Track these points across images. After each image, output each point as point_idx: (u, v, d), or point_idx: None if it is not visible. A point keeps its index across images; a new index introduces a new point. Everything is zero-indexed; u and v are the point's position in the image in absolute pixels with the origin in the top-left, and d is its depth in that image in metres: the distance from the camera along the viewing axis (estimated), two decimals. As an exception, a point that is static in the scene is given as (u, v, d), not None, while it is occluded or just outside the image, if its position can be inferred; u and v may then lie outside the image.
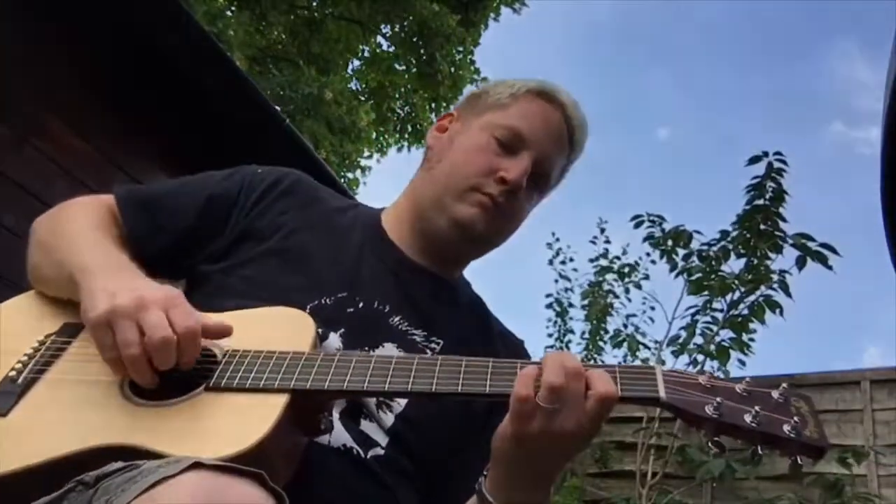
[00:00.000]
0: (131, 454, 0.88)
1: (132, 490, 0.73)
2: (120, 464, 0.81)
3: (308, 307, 1.16)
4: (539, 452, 0.97)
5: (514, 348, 1.37)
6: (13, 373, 1.06)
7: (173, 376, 1.01)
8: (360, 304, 1.22)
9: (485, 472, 1.03)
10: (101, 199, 1.31)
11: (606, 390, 0.95)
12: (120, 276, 1.08)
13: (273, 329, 1.10)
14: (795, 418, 0.92)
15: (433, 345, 1.23)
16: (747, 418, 0.92)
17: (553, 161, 1.34)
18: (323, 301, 1.20)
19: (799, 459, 0.92)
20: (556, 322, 6.78)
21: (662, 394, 0.96)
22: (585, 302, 6.40)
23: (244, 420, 0.96)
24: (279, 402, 0.98)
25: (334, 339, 1.17)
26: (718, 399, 0.94)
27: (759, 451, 0.93)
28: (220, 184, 1.32)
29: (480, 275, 1.43)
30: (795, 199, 4.86)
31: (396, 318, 1.23)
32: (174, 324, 1.00)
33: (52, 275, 1.19)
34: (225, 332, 1.06)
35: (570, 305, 6.72)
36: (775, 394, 0.96)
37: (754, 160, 4.88)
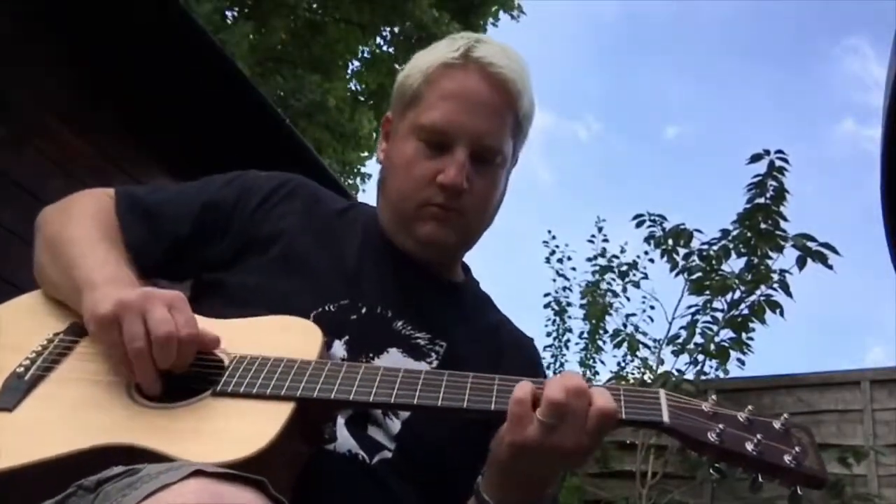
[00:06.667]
0: (134, 455, 0.88)
1: (133, 496, 0.72)
2: (121, 468, 0.81)
3: (311, 315, 1.16)
4: (534, 463, 0.98)
5: (524, 345, 1.36)
6: (21, 369, 1.06)
7: (179, 381, 1.01)
8: (363, 310, 1.21)
9: (482, 472, 1.04)
10: (108, 195, 1.30)
11: (606, 405, 0.95)
12: (124, 287, 1.08)
13: (280, 338, 1.10)
14: (796, 448, 0.93)
15: (437, 347, 1.22)
16: (749, 446, 0.93)
17: (493, 134, 1.23)
18: (326, 308, 1.19)
19: (799, 489, 0.93)
20: (554, 321, 6.79)
21: (666, 418, 0.96)
22: (584, 301, 6.40)
23: (250, 425, 0.96)
24: (285, 409, 0.98)
25: (339, 348, 1.16)
26: (721, 426, 0.94)
27: (760, 479, 0.94)
28: (218, 191, 1.31)
29: (478, 274, 1.42)
30: (807, 197, 4.88)
31: (399, 323, 1.22)
32: (177, 322, 1.00)
33: (57, 280, 1.19)
34: (215, 344, 1.06)
35: (569, 304, 6.73)
36: (776, 424, 0.96)
37: (756, 158, 4.88)
